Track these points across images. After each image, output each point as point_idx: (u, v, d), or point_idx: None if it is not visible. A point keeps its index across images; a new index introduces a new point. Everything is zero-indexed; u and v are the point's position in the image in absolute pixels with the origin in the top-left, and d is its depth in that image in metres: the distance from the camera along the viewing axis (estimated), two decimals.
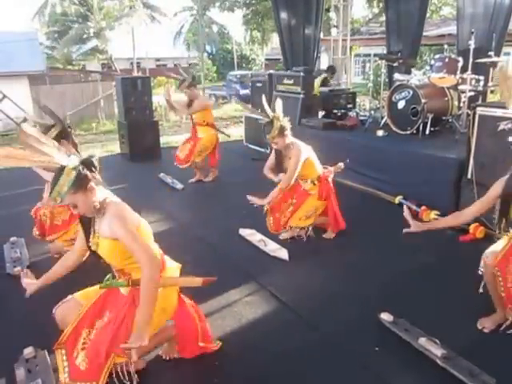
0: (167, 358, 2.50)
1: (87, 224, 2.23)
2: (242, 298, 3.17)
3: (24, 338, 2.61)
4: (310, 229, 4.02)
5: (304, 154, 3.83)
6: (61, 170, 2.00)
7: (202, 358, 2.49)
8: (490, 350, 2.54)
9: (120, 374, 2.21)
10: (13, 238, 4.03)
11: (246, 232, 4.14)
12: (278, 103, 3.86)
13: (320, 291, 3.26)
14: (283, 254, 3.75)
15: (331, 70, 9.11)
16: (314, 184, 3.99)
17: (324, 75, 8.68)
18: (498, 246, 2.57)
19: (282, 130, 3.76)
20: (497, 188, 2.50)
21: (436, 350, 2.41)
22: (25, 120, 12.23)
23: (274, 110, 3.83)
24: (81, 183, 2.03)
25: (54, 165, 2.02)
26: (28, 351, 2.47)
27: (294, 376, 2.42)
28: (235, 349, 2.62)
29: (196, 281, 2.36)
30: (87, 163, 2.10)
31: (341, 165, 4.21)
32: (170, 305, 2.35)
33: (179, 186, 5.73)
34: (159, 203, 5.25)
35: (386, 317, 2.77)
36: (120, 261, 2.21)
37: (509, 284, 2.46)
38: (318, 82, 8.25)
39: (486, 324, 2.68)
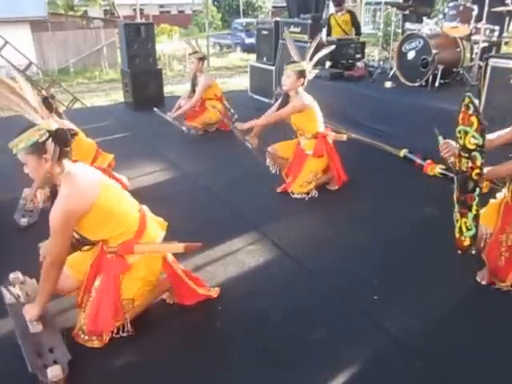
0: (171, 302, 2.56)
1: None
2: (244, 246, 3.21)
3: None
4: (313, 192, 3.95)
5: (305, 104, 3.83)
6: (29, 127, 1.99)
7: (206, 304, 2.55)
8: (486, 300, 2.58)
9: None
10: (26, 189, 3.89)
11: None
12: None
13: (322, 241, 3.29)
14: None
15: None
16: (311, 140, 3.94)
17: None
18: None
19: (301, 72, 3.79)
20: None
21: None
22: (29, 66, 12.03)
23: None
24: (37, 149, 1.99)
25: (27, 117, 2.02)
26: (15, 275, 2.43)
27: (293, 320, 2.48)
28: (237, 295, 2.68)
29: (178, 247, 2.22)
30: (58, 135, 2.04)
31: (343, 136, 4.18)
32: (152, 273, 2.30)
33: (184, 128, 5.67)
34: (163, 152, 5.22)
35: None
36: (95, 234, 2.21)
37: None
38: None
39: (484, 276, 2.71)
